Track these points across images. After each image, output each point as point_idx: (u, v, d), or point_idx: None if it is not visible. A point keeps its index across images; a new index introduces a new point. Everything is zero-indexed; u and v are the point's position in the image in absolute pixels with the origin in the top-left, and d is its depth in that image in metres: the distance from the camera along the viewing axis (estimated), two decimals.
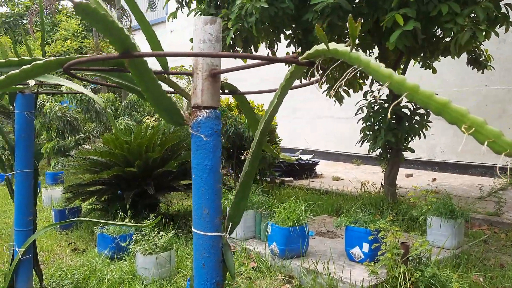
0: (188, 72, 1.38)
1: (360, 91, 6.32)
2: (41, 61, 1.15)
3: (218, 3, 5.60)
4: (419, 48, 4.94)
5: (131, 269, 3.66)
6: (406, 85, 0.75)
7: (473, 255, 4.17)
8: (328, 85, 6.23)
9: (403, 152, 5.85)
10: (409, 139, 5.61)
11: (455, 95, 9.06)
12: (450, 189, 7.13)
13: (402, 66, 6.06)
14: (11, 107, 3.02)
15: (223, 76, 1.49)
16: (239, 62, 6.22)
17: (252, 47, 5.58)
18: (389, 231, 3.58)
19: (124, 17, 14.67)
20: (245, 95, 1.77)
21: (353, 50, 0.90)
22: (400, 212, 5.20)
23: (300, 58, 1.10)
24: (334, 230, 4.76)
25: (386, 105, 5.57)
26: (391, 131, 5.35)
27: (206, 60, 1.29)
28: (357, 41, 5.72)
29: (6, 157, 7.15)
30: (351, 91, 6.46)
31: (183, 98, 1.48)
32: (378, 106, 5.52)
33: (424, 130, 5.52)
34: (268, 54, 6.02)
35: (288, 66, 4.87)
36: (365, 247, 3.73)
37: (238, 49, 5.59)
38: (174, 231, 3.85)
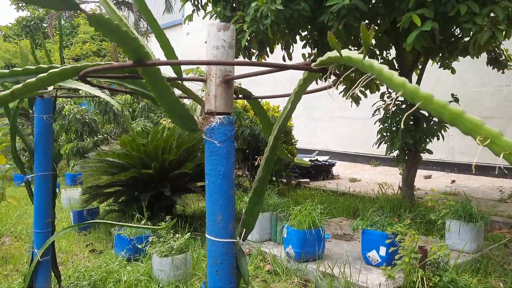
0: (202, 79, 1.38)
1: (377, 91, 6.26)
2: (57, 69, 1.16)
3: (234, 5, 5.62)
4: (437, 49, 4.86)
5: (148, 271, 3.69)
6: (420, 95, 0.73)
7: (493, 259, 4.08)
8: (344, 86, 6.18)
9: (421, 154, 5.77)
10: (427, 140, 5.53)
11: (474, 95, 8.89)
12: (469, 191, 7.00)
13: (420, 67, 5.98)
14: (31, 111, 3.08)
15: (237, 79, 1.49)
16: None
17: (267, 49, 5.58)
18: (407, 234, 3.53)
19: (142, 19, 14.83)
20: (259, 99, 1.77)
21: (367, 57, 0.89)
22: (418, 215, 5.13)
23: (313, 64, 1.10)
24: (350, 232, 4.72)
25: (404, 106, 5.50)
26: (409, 132, 5.28)
27: (219, 67, 1.30)
28: (373, 42, 5.67)
29: (26, 158, 7.29)
30: (368, 92, 6.40)
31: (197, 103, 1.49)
32: (395, 107, 5.46)
33: (442, 131, 5.44)
34: (283, 55, 6.01)
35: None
36: (382, 250, 3.68)
37: (254, 50, 5.59)
38: (189, 233, 3.87)
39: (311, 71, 1.11)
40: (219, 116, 1.33)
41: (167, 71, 1.34)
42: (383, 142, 5.80)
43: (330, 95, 1.17)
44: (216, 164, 1.34)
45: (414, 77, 5.89)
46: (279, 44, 5.79)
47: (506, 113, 8.38)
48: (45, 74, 1.15)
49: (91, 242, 4.79)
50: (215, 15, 5.65)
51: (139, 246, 4.01)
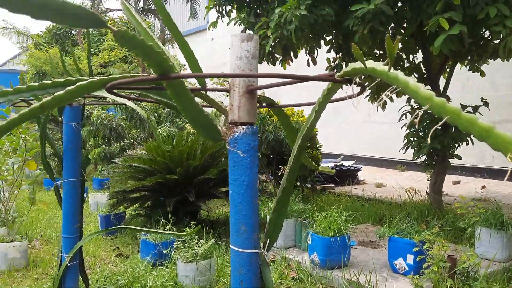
0: (225, 89, 1.39)
1: (403, 95, 6.15)
2: (84, 82, 1.19)
3: (258, 11, 5.64)
4: (465, 52, 4.74)
5: (173, 277, 3.72)
6: (448, 109, 0.71)
7: None
8: (370, 91, 6.11)
9: (449, 159, 5.63)
10: (456, 145, 5.40)
11: (505, 99, 8.63)
12: (500, 197, 6.78)
13: (447, 70, 5.85)
14: (60, 118, 3.16)
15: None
16: (278, 70, 6.22)
17: (291, 54, 5.57)
18: (435, 243, 3.45)
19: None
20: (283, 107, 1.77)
21: (392, 69, 0.88)
22: (447, 222, 5.00)
23: (337, 75, 1.08)
24: (377, 240, 4.64)
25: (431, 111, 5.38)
26: (437, 137, 5.16)
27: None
28: (399, 45, 5.58)
29: (56, 163, 7.49)
30: (394, 96, 6.29)
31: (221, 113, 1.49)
32: (422, 112, 5.34)
33: (471, 136, 5.29)
34: (307, 60, 5.99)
35: (329, 72, 4.80)
36: (410, 259, 3.61)
37: (277, 56, 5.59)
38: (214, 239, 3.89)
39: (335, 82, 1.10)
40: (243, 126, 1.33)
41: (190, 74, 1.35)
42: (410, 147, 5.70)
43: (355, 106, 1.15)
44: (239, 174, 1.34)
45: (442, 80, 5.77)
46: (303, 49, 5.77)
47: None
48: (73, 87, 1.17)
49: (118, 246, 4.87)
50: (239, 21, 5.68)
51: (164, 252, 4.05)
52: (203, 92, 1.42)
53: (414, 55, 5.78)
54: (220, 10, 5.77)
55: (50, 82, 1.30)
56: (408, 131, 5.71)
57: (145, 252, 4.23)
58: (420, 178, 9.04)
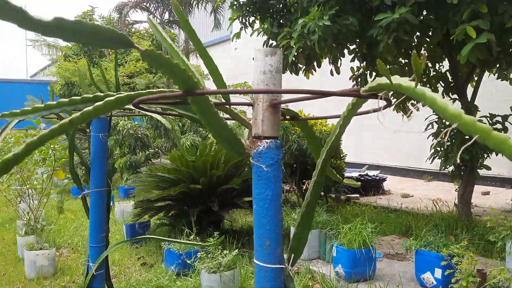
0: (249, 103, 1.39)
1: None
2: (112, 98, 1.21)
3: (281, 21, 5.66)
4: (493, 60, 4.63)
5: (196, 287, 3.73)
6: (477, 127, 0.70)
7: None
8: (395, 100, 6.02)
9: (478, 170, 5.48)
10: (485, 155, 5.26)
11: None
12: None
13: (475, 78, 5.73)
14: (88, 129, 3.24)
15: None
16: (301, 79, 6.21)
17: (315, 63, 5.56)
18: (464, 256, 3.36)
19: None
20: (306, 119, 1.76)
21: (418, 85, 0.86)
22: (476, 235, 4.85)
23: (362, 90, 1.07)
24: (403, 252, 4.54)
25: None
26: (465, 148, 5.03)
27: None
28: (425, 53, 5.49)
29: (83, 171, 7.65)
30: (420, 105, 6.19)
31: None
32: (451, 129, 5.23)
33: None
34: (331, 69, 5.96)
35: (353, 81, 4.78)
36: (438, 272, 3.51)
37: (301, 65, 5.59)
38: (237, 249, 3.88)
39: (360, 97, 1.09)
40: (266, 140, 1.33)
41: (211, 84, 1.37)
42: (437, 157, 5.58)
43: (381, 122, 1.13)
44: (263, 188, 1.33)
45: (469, 89, 5.64)
46: (327, 58, 5.75)
47: None
48: (101, 103, 1.20)
49: (143, 255, 4.92)
50: (262, 32, 5.71)
51: (188, 261, 4.07)
52: (227, 106, 1.43)
53: (441, 64, 5.68)
54: (244, 21, 5.82)
55: (79, 98, 1.34)
56: (435, 140, 5.60)
57: (169, 262, 4.26)
58: (448, 188, 8.83)
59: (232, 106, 1.48)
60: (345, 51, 5.64)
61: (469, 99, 5.50)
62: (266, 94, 1.32)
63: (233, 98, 1.50)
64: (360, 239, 3.70)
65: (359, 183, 1.97)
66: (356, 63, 6.03)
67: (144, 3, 17.44)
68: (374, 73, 5.90)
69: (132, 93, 1.24)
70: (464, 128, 0.73)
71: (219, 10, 17.18)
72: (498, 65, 5.17)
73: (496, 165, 7.35)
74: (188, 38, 1.25)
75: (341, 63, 5.84)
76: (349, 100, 1.23)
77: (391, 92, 1.11)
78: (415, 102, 6.22)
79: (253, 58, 1.40)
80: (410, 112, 6.04)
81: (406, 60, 5.58)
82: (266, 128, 1.33)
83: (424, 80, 5.67)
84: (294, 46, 4.83)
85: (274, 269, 1.31)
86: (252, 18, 5.83)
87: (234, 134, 1.36)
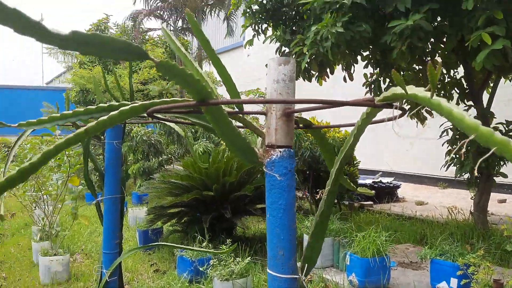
0: (262, 112, 1.39)
1: None
2: (127, 108, 1.22)
3: (294, 28, 5.67)
4: (509, 66, 4.57)
5: None
6: (495, 140, 0.68)
7: None
8: (409, 106, 5.97)
9: (494, 177, 5.39)
10: (501, 163, 5.17)
11: None
12: None
13: (491, 85, 5.65)
14: (102, 137, 3.27)
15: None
16: (314, 85, 6.19)
17: (328, 70, 5.54)
18: (480, 266, 3.30)
19: None
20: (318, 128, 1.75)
21: (434, 96, 0.85)
22: (493, 244, 4.76)
23: (377, 100, 1.07)
24: (418, 261, 4.48)
25: None
26: (480, 155, 4.96)
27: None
28: (440, 60, 5.45)
29: (97, 177, 7.73)
30: (434, 111, 6.12)
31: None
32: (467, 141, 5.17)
33: None
34: (344, 76, 5.94)
35: (366, 88, 4.74)
36: (453, 282, 3.46)
37: (313, 72, 5.58)
38: (250, 257, 3.87)
39: (374, 107, 1.08)
40: (280, 149, 1.32)
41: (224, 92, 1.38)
42: (452, 165, 5.50)
43: (396, 133, 1.12)
44: (277, 197, 1.33)
45: (485, 95, 5.57)
46: (339, 65, 5.73)
47: None
48: (116, 112, 1.21)
49: (155, 262, 4.93)
50: (275, 38, 5.72)
51: (200, 269, 4.07)
52: (240, 115, 1.43)
53: (455, 70, 5.62)
54: (256, 28, 5.84)
55: (94, 107, 1.35)
56: (449, 147, 5.53)
57: (181, 269, 4.26)
58: (463, 196, 8.70)
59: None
60: (358, 57, 5.62)
61: (484, 105, 5.42)
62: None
63: (247, 107, 1.50)
64: (374, 247, 3.66)
65: (373, 191, 1.95)
66: (370, 69, 5.99)
67: (158, 11, 17.63)
68: (387, 80, 5.86)
69: (146, 102, 1.25)
70: (481, 140, 0.72)
71: (232, 18, 17.29)
72: None
73: None
74: (202, 47, 1.26)
75: (354, 70, 5.81)
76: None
77: (405, 99, 1.10)
78: (429, 109, 6.15)
79: (266, 65, 1.40)
80: (425, 120, 5.98)
81: (420, 67, 5.53)
82: (279, 137, 1.33)
83: (439, 86, 5.62)
84: (307, 53, 4.83)
85: (287, 279, 1.30)
86: (264, 25, 5.85)
87: (247, 143, 1.36)
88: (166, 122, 2.22)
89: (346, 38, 4.29)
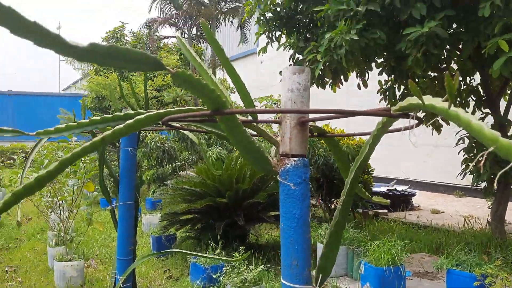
0: (277, 121, 1.39)
1: None
2: (142, 117, 1.23)
3: (307, 35, 5.67)
4: None
5: None
6: None
7: None
8: (424, 114, 5.92)
9: None
10: None
11: None
12: None
13: (508, 92, 5.56)
14: (117, 144, 3.31)
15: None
16: (328, 92, 6.17)
17: (342, 77, 5.53)
18: (498, 277, 3.23)
19: None
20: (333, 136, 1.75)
21: (452, 107, 0.84)
22: (510, 254, 4.66)
23: (393, 109, 1.06)
24: (434, 271, 4.41)
25: None
26: (498, 163, 4.88)
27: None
28: (455, 67, 5.39)
29: (111, 183, 7.81)
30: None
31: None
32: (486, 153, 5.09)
33: None
34: (358, 83, 5.92)
35: (380, 95, 4.71)
36: None
37: (327, 79, 5.56)
38: (263, 265, 3.85)
39: (390, 117, 1.07)
40: (294, 158, 1.32)
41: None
42: (469, 173, 5.42)
43: (413, 143, 1.11)
44: (291, 207, 1.32)
45: (502, 103, 5.48)
46: (354, 72, 5.71)
47: None
48: (132, 121, 1.22)
49: (168, 268, 4.94)
50: (289, 46, 5.73)
51: (213, 276, 4.06)
52: (255, 124, 1.43)
53: (472, 77, 5.55)
54: (270, 35, 5.86)
55: (110, 116, 1.36)
56: (466, 156, 5.45)
57: (195, 276, 4.26)
58: (480, 205, 8.55)
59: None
60: (373, 64, 5.59)
61: (502, 113, 5.34)
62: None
63: (261, 115, 1.50)
64: (388, 256, 3.62)
65: (388, 200, 1.93)
66: (384, 76, 5.96)
67: (173, 19, 17.83)
68: (402, 87, 5.81)
69: (161, 111, 1.26)
70: (501, 152, 0.70)
71: (246, 25, 17.40)
72: None
73: None
74: (216, 56, 1.27)
75: (368, 77, 5.78)
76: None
77: None
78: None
79: (279, 72, 1.40)
80: (440, 127, 5.90)
81: (435, 74, 5.48)
82: (293, 146, 1.32)
83: (455, 94, 5.55)
84: (320, 60, 4.82)
85: None
86: (278, 33, 5.86)
87: (261, 152, 1.35)
88: (180, 130, 2.24)
89: (361, 45, 4.28)
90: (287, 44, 5.71)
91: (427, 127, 6.06)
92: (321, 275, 1.38)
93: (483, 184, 5.49)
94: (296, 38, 5.53)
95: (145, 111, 1.30)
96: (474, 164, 5.25)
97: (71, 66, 19.55)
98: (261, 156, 1.35)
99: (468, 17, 4.19)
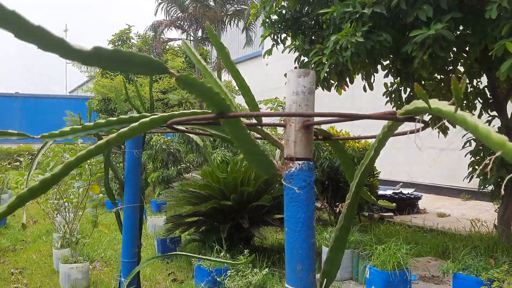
0: (281, 124, 1.38)
1: None
2: (147, 120, 1.23)
3: (313, 38, 5.66)
4: None
5: None
6: None
7: None
8: (430, 116, 5.88)
9: None
10: None
11: None
12: None
13: None
14: (122, 146, 3.32)
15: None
16: (333, 95, 6.16)
17: (347, 79, 5.51)
18: (505, 281, 3.20)
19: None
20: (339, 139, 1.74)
21: (459, 110, 0.83)
22: None
23: (398, 113, 1.05)
24: (440, 275, 4.37)
25: None
26: (505, 166, 4.84)
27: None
28: (462, 69, 5.36)
29: (117, 185, 7.83)
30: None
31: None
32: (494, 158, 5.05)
33: None
34: (364, 85, 5.89)
35: (386, 97, 4.68)
36: None
37: (332, 81, 5.55)
38: (267, 268, 3.84)
39: (396, 121, 1.06)
40: (299, 162, 1.31)
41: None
42: (475, 176, 5.38)
43: (419, 148, 1.10)
44: (295, 211, 1.31)
45: (510, 105, 5.44)
46: (359, 74, 5.69)
47: None
48: (136, 124, 1.22)
49: (173, 271, 4.94)
50: (294, 48, 5.72)
51: (218, 279, 4.06)
52: (259, 127, 1.43)
53: (478, 80, 5.51)
54: (275, 38, 5.86)
55: (115, 119, 1.36)
56: (473, 159, 5.41)
57: (199, 278, 4.26)
58: (487, 208, 8.49)
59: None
60: (379, 66, 5.57)
61: (509, 116, 5.30)
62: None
63: (265, 118, 1.49)
64: (394, 260, 3.59)
65: (394, 204, 1.91)
66: (390, 78, 5.93)
67: (178, 22, 17.89)
68: (408, 89, 5.78)
69: (166, 114, 1.26)
70: (508, 156, 0.69)
71: (251, 27, 17.42)
72: None
73: None
74: (221, 59, 1.28)
75: (374, 79, 5.76)
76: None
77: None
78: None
79: (284, 75, 1.40)
80: (446, 130, 5.86)
81: (442, 76, 5.45)
82: (298, 150, 1.31)
83: (462, 97, 5.52)
84: (326, 62, 4.81)
85: None
86: (283, 35, 5.86)
87: (266, 155, 1.35)
88: (185, 132, 2.24)
89: (367, 48, 4.26)
90: (293, 46, 5.70)
91: (433, 130, 6.02)
92: (325, 279, 1.37)
93: (490, 188, 5.45)
94: (301, 41, 5.52)
95: (149, 114, 1.30)
96: (481, 168, 5.21)
97: (77, 68, 19.67)
98: (266, 159, 1.34)
99: (475, 19, 4.17)
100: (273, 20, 5.70)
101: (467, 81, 5.56)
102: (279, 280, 4.32)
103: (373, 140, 1.32)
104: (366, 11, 4.22)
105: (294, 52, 5.83)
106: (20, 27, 0.60)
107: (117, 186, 7.68)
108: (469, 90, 5.60)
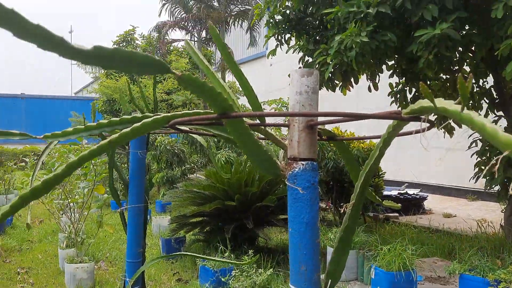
0: (285, 124, 1.37)
1: None
2: (149, 120, 1.23)
3: (317, 38, 5.64)
4: None
5: None
6: None
7: None
8: (436, 116, 5.84)
9: None
10: None
11: None
12: None
13: None
14: (127, 146, 3.32)
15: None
16: (337, 95, 6.14)
17: (352, 79, 5.48)
18: None
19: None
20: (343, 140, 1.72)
21: (465, 110, 0.82)
22: None
23: (404, 112, 1.03)
24: (446, 276, 4.34)
25: None
26: (511, 166, 4.80)
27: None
28: (468, 69, 5.32)
29: (121, 185, 7.85)
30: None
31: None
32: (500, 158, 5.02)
33: None
34: (369, 85, 5.87)
35: (391, 97, 4.66)
36: None
37: (337, 82, 5.53)
38: (272, 268, 3.83)
39: (401, 120, 1.05)
40: (302, 162, 1.30)
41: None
42: (482, 176, 5.34)
43: (425, 147, 1.09)
44: (299, 211, 1.30)
45: None
46: (364, 74, 5.67)
47: None
48: (139, 124, 1.21)
49: (178, 271, 4.94)
50: (298, 48, 5.71)
51: (222, 279, 4.05)
52: (262, 127, 1.42)
53: (484, 80, 5.47)
54: (279, 38, 5.85)
55: (117, 119, 1.36)
56: (479, 159, 5.37)
57: (204, 279, 4.25)
58: (493, 208, 8.43)
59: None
60: (383, 66, 5.54)
61: None
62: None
63: (269, 119, 1.48)
64: (400, 261, 3.57)
65: (399, 205, 1.90)
66: (395, 79, 5.90)
67: (182, 22, 17.93)
68: (413, 89, 5.75)
69: (169, 114, 1.25)
70: None
71: (255, 28, 17.42)
72: None
73: None
74: (224, 59, 1.27)
75: (379, 79, 5.73)
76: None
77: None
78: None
79: (288, 75, 1.38)
80: (452, 130, 5.83)
81: (447, 76, 5.42)
82: (302, 150, 1.30)
83: (468, 96, 5.48)
84: (330, 62, 4.79)
85: None
86: (288, 35, 5.85)
87: (269, 156, 1.34)
88: (188, 133, 2.24)
89: (371, 47, 4.24)
90: (297, 46, 5.69)
91: (439, 130, 5.98)
92: (330, 280, 1.36)
93: (496, 188, 5.41)
94: (305, 41, 5.50)
95: (152, 114, 1.29)
96: (488, 168, 5.18)
97: (82, 69, 19.75)
98: (269, 159, 1.33)
99: (480, 19, 4.14)
100: (277, 20, 5.69)
101: (473, 81, 5.52)
102: (284, 281, 4.30)
103: (378, 140, 1.31)
104: (370, 10, 4.20)
105: (298, 52, 5.81)
106: (19, 26, 0.59)
107: (122, 186, 7.70)
108: (475, 90, 5.56)
